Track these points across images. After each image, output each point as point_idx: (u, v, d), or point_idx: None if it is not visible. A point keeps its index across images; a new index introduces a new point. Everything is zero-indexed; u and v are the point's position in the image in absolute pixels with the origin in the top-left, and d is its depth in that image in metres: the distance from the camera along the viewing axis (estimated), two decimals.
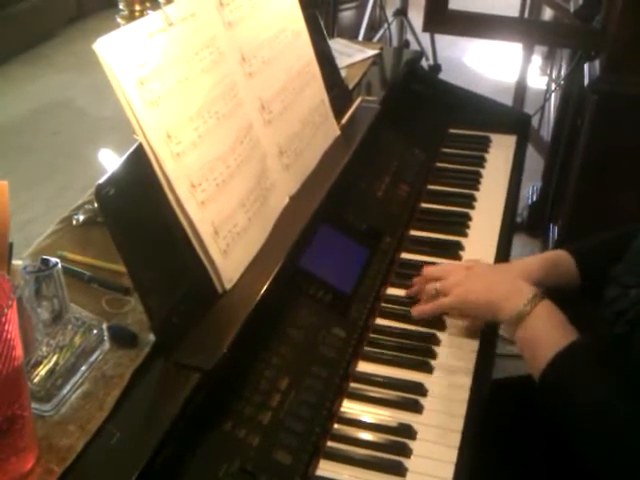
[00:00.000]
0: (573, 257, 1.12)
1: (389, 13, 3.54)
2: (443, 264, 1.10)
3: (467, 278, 1.01)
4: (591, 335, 0.95)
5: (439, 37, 3.47)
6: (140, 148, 0.87)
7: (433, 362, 1.07)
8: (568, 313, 0.96)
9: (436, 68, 3.49)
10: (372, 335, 1.12)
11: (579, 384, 0.89)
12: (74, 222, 1.16)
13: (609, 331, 0.98)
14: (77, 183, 3.02)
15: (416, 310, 1.02)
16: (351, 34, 3.64)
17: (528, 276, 1.09)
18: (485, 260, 1.29)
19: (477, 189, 1.52)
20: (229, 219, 0.98)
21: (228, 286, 0.97)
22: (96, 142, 3.39)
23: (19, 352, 0.71)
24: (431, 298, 1.05)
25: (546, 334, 0.91)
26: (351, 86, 1.57)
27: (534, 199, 2.72)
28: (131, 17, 1.11)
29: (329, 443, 0.94)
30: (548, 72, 3.32)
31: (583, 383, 0.89)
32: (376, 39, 3.50)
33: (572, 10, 2.18)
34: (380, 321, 1.15)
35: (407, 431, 0.95)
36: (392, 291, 1.21)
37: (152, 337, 0.89)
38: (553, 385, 0.91)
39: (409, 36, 3.55)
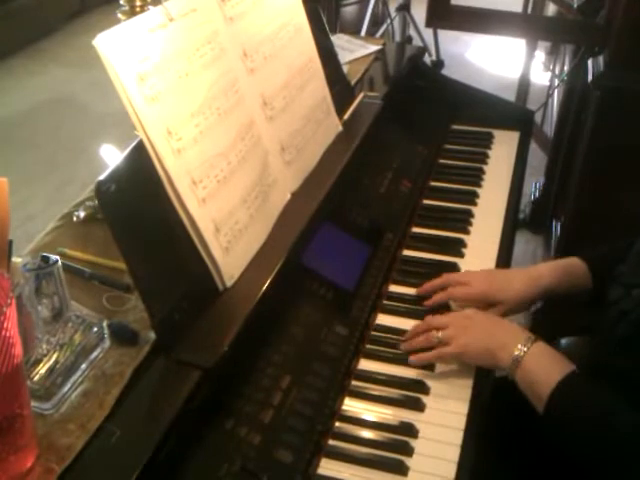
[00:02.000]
0: (586, 263, 1.14)
1: (392, 8, 3.53)
2: (445, 315, 1.12)
3: (467, 329, 1.05)
4: (594, 337, 0.96)
5: (442, 32, 3.46)
6: (141, 144, 0.87)
7: None
8: (572, 321, 0.98)
9: (439, 64, 3.48)
10: (374, 333, 1.11)
11: (580, 412, 0.93)
12: (75, 219, 1.16)
13: (612, 332, 0.98)
14: (78, 179, 3.01)
15: (417, 357, 1.05)
16: (353, 29, 3.62)
17: (540, 279, 1.13)
18: (487, 257, 1.29)
19: (480, 186, 1.51)
20: (230, 216, 0.98)
21: (229, 283, 0.96)
22: (98, 138, 3.39)
23: (19, 350, 0.70)
24: (431, 344, 1.07)
25: (542, 372, 0.96)
26: (353, 82, 1.56)
27: (537, 195, 2.71)
28: (132, 12, 1.10)
29: (330, 441, 0.93)
30: (551, 68, 3.31)
31: (584, 411, 0.93)
32: (379, 34, 3.49)
33: (575, 5, 2.16)
34: (382, 318, 1.14)
35: (409, 429, 0.95)
36: (394, 288, 1.21)
37: (153, 335, 0.88)
38: (557, 416, 0.94)
39: (412, 31, 3.54)
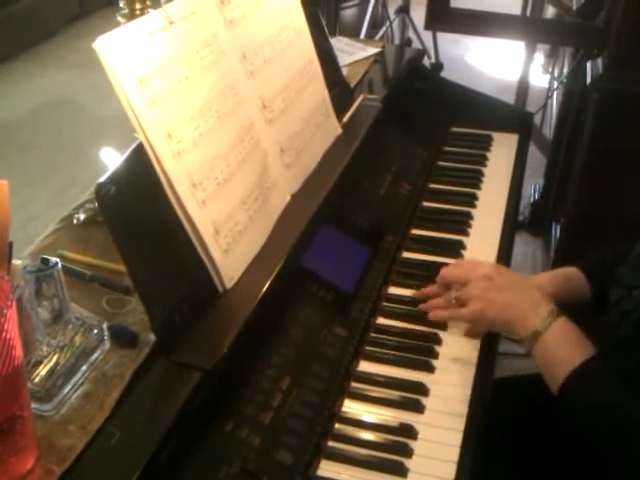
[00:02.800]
0: (584, 273, 1.12)
1: (391, 11, 3.53)
2: (465, 262, 1.09)
3: (487, 291, 1.01)
4: (596, 338, 0.95)
5: (441, 35, 3.46)
6: (140, 147, 0.87)
7: (435, 362, 1.06)
8: (577, 318, 0.97)
9: (438, 66, 3.47)
10: (373, 334, 1.11)
11: (596, 400, 0.90)
12: (75, 221, 1.16)
13: (614, 333, 0.97)
14: (79, 181, 3.01)
15: (434, 313, 1.01)
16: (353, 32, 3.63)
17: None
18: (487, 259, 1.29)
19: (479, 188, 1.51)
20: (230, 218, 0.98)
21: (229, 285, 0.96)
22: (98, 140, 3.40)
23: (19, 352, 0.70)
24: (449, 303, 1.04)
25: (561, 352, 0.92)
26: (353, 84, 1.56)
27: (536, 197, 2.71)
28: (131, 16, 1.10)
29: (330, 443, 0.94)
30: (550, 70, 3.31)
31: (600, 398, 0.90)
32: (378, 37, 3.49)
33: (574, 8, 2.17)
34: (382, 320, 1.15)
35: (408, 431, 0.95)
36: (394, 290, 1.21)
37: (153, 337, 0.89)
38: (571, 401, 0.92)
39: (411, 34, 3.54)
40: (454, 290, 1.02)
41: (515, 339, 0.98)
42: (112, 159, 3.23)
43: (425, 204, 1.45)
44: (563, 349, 0.92)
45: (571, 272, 1.14)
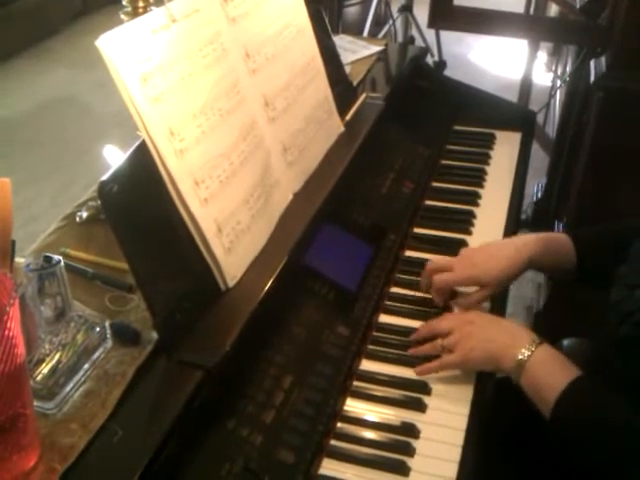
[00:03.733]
0: (573, 241, 1.13)
1: (394, 9, 3.53)
2: (449, 314, 1.12)
3: (469, 334, 1.03)
4: (597, 339, 0.95)
5: (444, 33, 3.45)
6: (143, 145, 0.87)
7: None
8: (574, 322, 0.97)
9: (441, 64, 3.47)
10: (376, 333, 1.11)
11: (586, 418, 0.92)
12: (77, 219, 1.16)
13: (615, 333, 0.97)
14: (82, 179, 3.02)
15: (421, 370, 1.04)
16: (356, 30, 3.62)
17: (526, 246, 1.11)
18: None
19: (482, 186, 1.51)
20: (232, 216, 0.98)
21: (231, 283, 0.96)
22: (101, 138, 3.40)
23: (21, 350, 0.70)
24: (436, 352, 1.06)
25: (547, 378, 0.94)
26: (355, 82, 1.56)
27: (539, 196, 2.71)
28: (134, 13, 1.10)
29: (332, 442, 0.94)
30: (553, 69, 3.31)
31: (589, 416, 0.91)
32: (381, 35, 3.49)
33: (578, 6, 2.16)
34: (384, 319, 1.15)
35: (411, 430, 0.95)
36: (396, 289, 1.21)
37: (155, 335, 0.89)
38: (563, 424, 0.93)
39: (414, 32, 3.54)
40: (441, 339, 1.04)
41: (503, 373, 1.00)
42: (115, 157, 3.23)
43: (428, 203, 1.45)
44: (549, 374, 0.94)
45: (559, 237, 1.15)
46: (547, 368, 0.95)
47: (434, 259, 1.21)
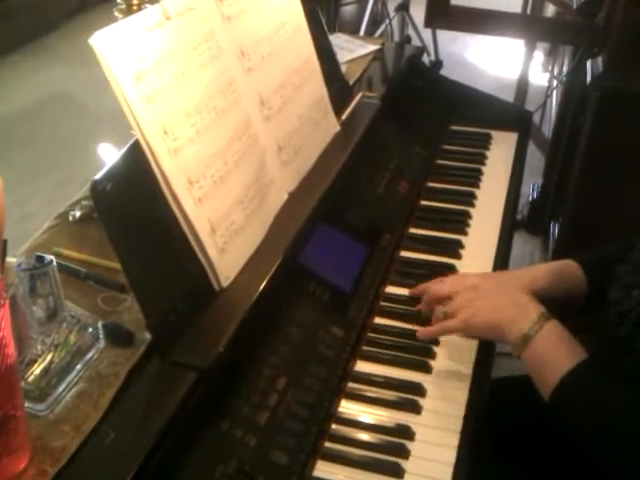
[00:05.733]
0: (581, 266, 1.10)
1: (391, 8, 3.53)
2: (450, 277, 1.09)
3: (473, 300, 1.00)
4: (595, 338, 0.94)
5: (441, 32, 3.45)
6: (137, 144, 0.86)
7: (432, 362, 1.06)
8: (573, 321, 0.96)
9: (437, 64, 3.46)
10: (371, 334, 1.11)
11: (589, 404, 0.89)
12: (70, 218, 1.15)
13: (613, 332, 0.97)
14: (77, 177, 3.00)
15: (422, 332, 1.02)
16: (352, 29, 3.62)
17: (533, 284, 1.07)
18: (485, 259, 1.28)
19: (478, 186, 1.51)
20: (226, 216, 0.97)
21: (225, 284, 0.96)
22: (97, 136, 3.38)
23: (12, 350, 0.70)
24: (438, 319, 1.04)
25: (552, 356, 0.91)
26: (352, 81, 1.56)
27: (535, 196, 2.71)
28: (129, 11, 1.09)
29: (326, 443, 0.93)
30: (550, 69, 3.31)
31: (593, 402, 0.89)
32: (377, 34, 3.48)
33: (575, 6, 2.16)
34: (379, 320, 1.14)
35: (405, 432, 0.95)
36: (391, 289, 1.20)
37: (148, 335, 0.88)
38: (563, 407, 0.90)
39: (411, 31, 3.54)
40: (442, 305, 1.02)
41: (505, 343, 0.97)
42: (110, 155, 3.22)
43: (424, 203, 1.45)
44: (554, 352, 0.91)
45: (569, 265, 1.11)
46: (553, 346, 0.92)
47: (429, 260, 1.20)
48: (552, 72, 3.19)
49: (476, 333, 1.00)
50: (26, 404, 0.77)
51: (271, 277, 0.98)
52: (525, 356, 0.94)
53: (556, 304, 1.05)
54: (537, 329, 0.93)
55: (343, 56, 1.67)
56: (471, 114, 1.72)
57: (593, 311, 1.09)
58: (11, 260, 0.89)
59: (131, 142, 0.88)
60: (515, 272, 1.14)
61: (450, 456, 0.92)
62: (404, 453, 0.92)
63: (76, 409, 0.80)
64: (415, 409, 0.98)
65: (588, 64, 1.98)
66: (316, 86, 1.28)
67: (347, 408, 0.98)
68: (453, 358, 1.07)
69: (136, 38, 0.86)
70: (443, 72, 1.90)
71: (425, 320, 1.09)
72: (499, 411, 1.11)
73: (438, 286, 1.07)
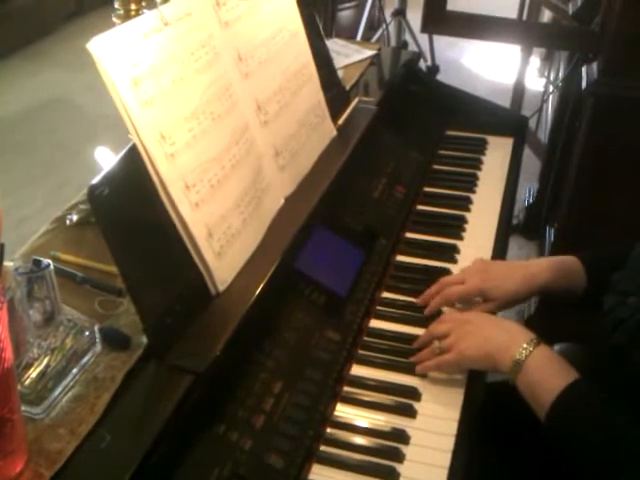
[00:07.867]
0: (583, 264, 1.12)
1: (387, 13, 3.54)
2: (449, 317, 1.11)
3: (466, 334, 1.02)
4: (590, 345, 0.95)
5: (437, 38, 3.46)
6: (134, 148, 0.87)
7: None
8: (570, 324, 0.97)
9: (434, 69, 3.49)
10: (366, 338, 1.11)
11: (584, 422, 0.90)
12: (67, 222, 1.15)
13: (608, 340, 0.97)
14: (74, 181, 3.00)
15: (421, 367, 1.04)
16: (349, 34, 3.63)
17: (534, 280, 1.11)
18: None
19: (473, 191, 1.51)
20: (223, 221, 0.97)
21: (222, 288, 0.96)
22: (94, 140, 3.38)
23: (9, 354, 0.70)
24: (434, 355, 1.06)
25: (544, 379, 0.93)
26: (348, 86, 1.56)
27: (531, 201, 2.72)
28: (126, 16, 1.10)
29: (322, 447, 0.93)
30: (546, 74, 3.32)
31: (588, 420, 0.90)
32: (374, 39, 3.49)
33: (570, 12, 2.17)
34: (375, 324, 1.14)
35: (401, 436, 0.95)
36: (387, 294, 1.21)
37: (144, 339, 0.88)
38: (559, 427, 0.92)
39: (407, 37, 3.55)
40: (438, 341, 1.04)
41: (499, 372, 0.99)
42: (107, 159, 3.22)
43: (420, 207, 1.45)
44: (546, 375, 0.93)
45: (571, 262, 1.14)
46: (544, 369, 0.94)
47: (425, 265, 1.20)
48: (548, 77, 3.20)
49: (470, 364, 1.03)
50: (22, 407, 0.77)
51: (267, 281, 0.98)
52: (518, 382, 0.95)
53: (557, 298, 1.06)
54: (527, 354, 0.95)
55: (340, 61, 1.68)
56: (467, 119, 1.73)
57: (588, 309, 1.11)
58: (8, 264, 0.89)
59: (128, 146, 0.88)
60: (518, 265, 1.16)
61: (445, 460, 0.92)
62: (399, 457, 0.92)
63: (72, 413, 0.81)
64: (410, 413, 0.98)
65: (584, 69, 1.98)
66: (313, 91, 1.29)
67: (343, 412, 0.99)
68: None
69: (134, 43, 0.86)
70: (439, 77, 1.92)
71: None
72: (494, 415, 1.11)
73: (435, 325, 1.09)
